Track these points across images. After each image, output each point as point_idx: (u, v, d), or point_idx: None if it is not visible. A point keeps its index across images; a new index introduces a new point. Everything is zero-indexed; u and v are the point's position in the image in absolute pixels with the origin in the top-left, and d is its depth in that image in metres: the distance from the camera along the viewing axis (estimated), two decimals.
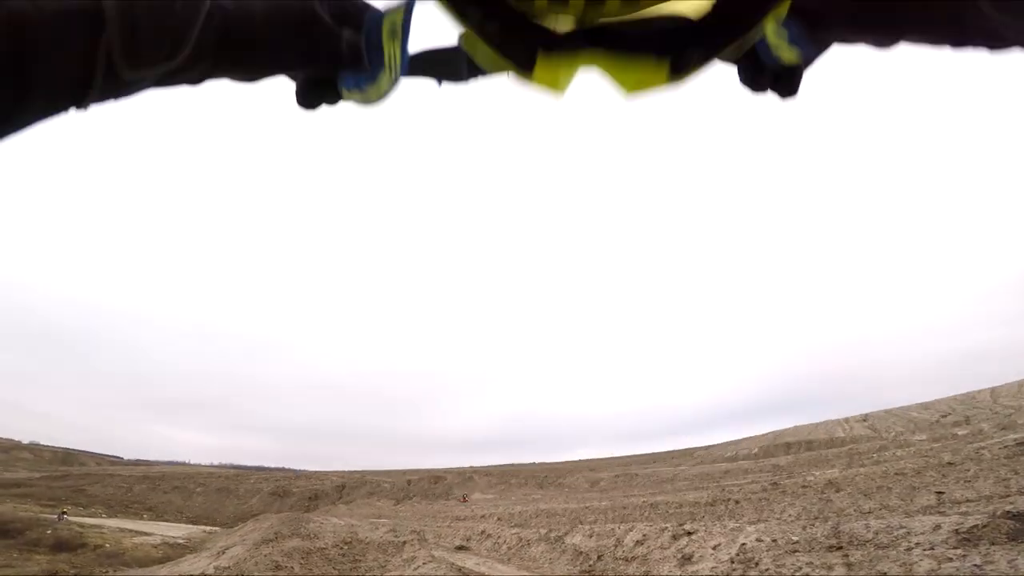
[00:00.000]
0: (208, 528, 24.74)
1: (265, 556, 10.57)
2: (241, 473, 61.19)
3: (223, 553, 11.54)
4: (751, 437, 52.24)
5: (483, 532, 14.34)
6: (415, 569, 8.18)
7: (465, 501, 30.12)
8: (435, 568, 8.17)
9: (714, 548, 6.05)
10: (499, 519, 18.18)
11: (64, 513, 23.95)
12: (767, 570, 5.02)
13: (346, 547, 11.73)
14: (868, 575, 4.19)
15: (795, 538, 5.56)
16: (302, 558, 10.90)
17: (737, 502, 11.41)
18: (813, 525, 5.95)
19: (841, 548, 4.95)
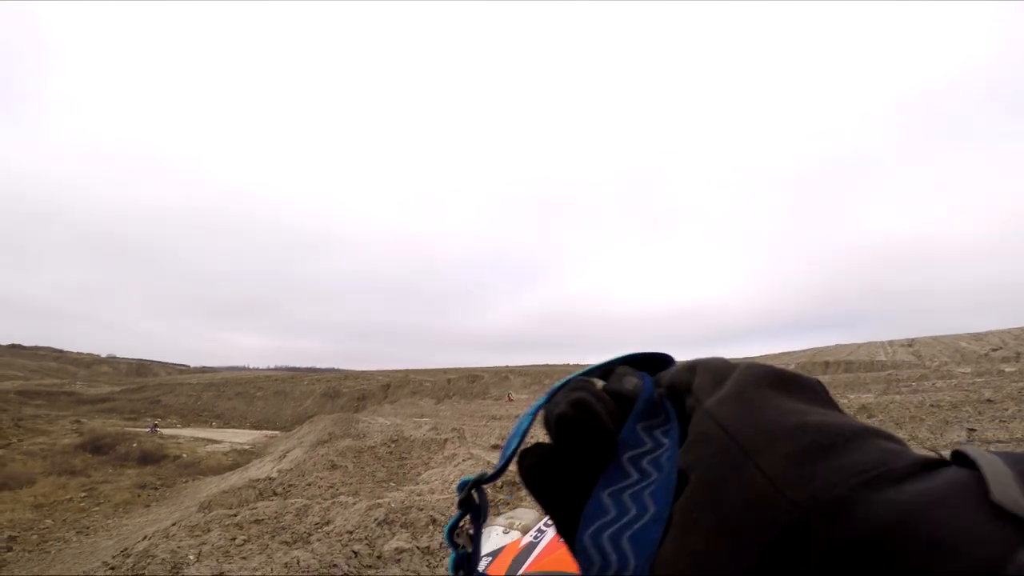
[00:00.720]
0: (269, 432, 27.24)
1: (322, 456, 11.58)
2: (295, 375, 66.00)
3: (284, 456, 12.67)
4: (790, 352, 51.92)
5: None
6: (455, 466, 8.80)
7: (511, 400, 31.25)
8: (473, 465, 8.77)
9: None
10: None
11: (156, 426, 26.54)
12: None
13: (393, 445, 12.71)
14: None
15: None
16: (354, 456, 11.93)
17: None
18: None
19: None
